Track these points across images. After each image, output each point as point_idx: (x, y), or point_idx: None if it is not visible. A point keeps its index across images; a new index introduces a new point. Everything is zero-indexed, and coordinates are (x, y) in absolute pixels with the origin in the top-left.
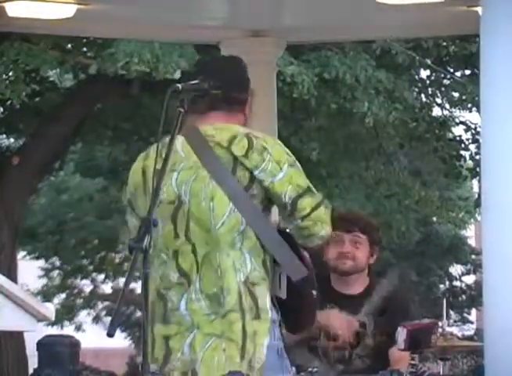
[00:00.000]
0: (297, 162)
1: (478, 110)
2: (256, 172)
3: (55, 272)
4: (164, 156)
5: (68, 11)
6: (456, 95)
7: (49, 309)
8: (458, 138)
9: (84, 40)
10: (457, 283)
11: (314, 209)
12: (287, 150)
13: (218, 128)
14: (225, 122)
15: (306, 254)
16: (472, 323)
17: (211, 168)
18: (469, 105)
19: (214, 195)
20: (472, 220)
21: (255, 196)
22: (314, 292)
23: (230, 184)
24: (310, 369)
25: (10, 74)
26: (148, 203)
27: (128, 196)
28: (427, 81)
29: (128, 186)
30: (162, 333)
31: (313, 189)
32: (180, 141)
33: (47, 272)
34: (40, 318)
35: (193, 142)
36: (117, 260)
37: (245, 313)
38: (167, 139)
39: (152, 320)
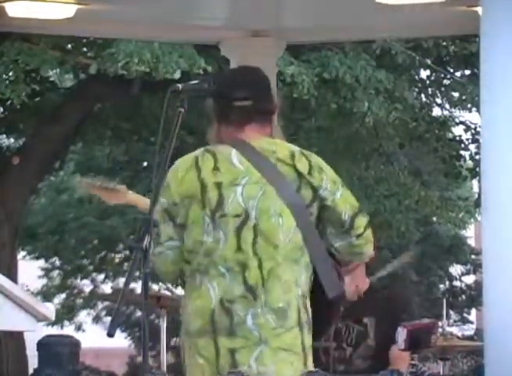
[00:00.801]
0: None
1: (478, 110)
2: (320, 191)
3: (55, 272)
4: (221, 170)
5: (68, 11)
6: (456, 95)
7: (49, 309)
8: (458, 138)
9: (84, 40)
10: (457, 283)
11: (366, 228)
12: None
13: (274, 143)
14: (259, 134)
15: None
16: (472, 323)
17: (277, 184)
18: (469, 105)
19: (282, 211)
20: (472, 220)
21: (313, 214)
22: (342, 308)
23: (295, 202)
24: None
25: (10, 74)
26: (204, 214)
27: (164, 205)
28: (427, 81)
29: (170, 195)
30: (228, 346)
31: (362, 208)
32: (233, 154)
33: (47, 272)
34: (40, 318)
35: (251, 157)
36: (116, 260)
37: (303, 327)
38: (215, 148)
39: (211, 330)
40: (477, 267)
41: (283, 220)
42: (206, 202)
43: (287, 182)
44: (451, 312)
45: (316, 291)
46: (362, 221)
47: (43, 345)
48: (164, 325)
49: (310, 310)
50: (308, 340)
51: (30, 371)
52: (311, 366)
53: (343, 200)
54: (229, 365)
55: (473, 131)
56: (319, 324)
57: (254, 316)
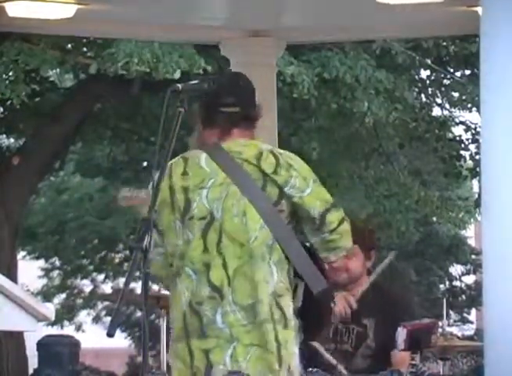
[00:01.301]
0: (317, 178)
1: (478, 110)
2: (286, 189)
3: (55, 273)
4: (189, 173)
5: (68, 11)
6: (456, 95)
7: (49, 309)
8: (458, 138)
9: (84, 40)
10: (457, 283)
11: (340, 223)
12: (308, 166)
13: (242, 145)
14: (243, 138)
15: (326, 267)
16: (472, 323)
17: (242, 184)
18: (469, 105)
19: (247, 211)
20: (472, 220)
21: (283, 211)
22: (332, 304)
23: (260, 200)
24: (310, 369)
25: (10, 74)
26: (174, 218)
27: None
28: (427, 81)
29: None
30: (200, 347)
31: (336, 203)
32: (203, 157)
33: (47, 272)
34: (40, 318)
35: (219, 159)
36: (116, 260)
37: (276, 323)
38: (188, 154)
39: (185, 334)
40: (477, 267)
41: (247, 219)
42: (175, 206)
43: (252, 181)
44: (451, 312)
45: (303, 290)
46: (334, 216)
47: (43, 345)
48: (164, 325)
49: (289, 307)
50: (285, 335)
51: (30, 371)
52: (289, 362)
53: (313, 197)
54: (204, 365)
55: (473, 131)
56: (311, 324)
57: (223, 315)
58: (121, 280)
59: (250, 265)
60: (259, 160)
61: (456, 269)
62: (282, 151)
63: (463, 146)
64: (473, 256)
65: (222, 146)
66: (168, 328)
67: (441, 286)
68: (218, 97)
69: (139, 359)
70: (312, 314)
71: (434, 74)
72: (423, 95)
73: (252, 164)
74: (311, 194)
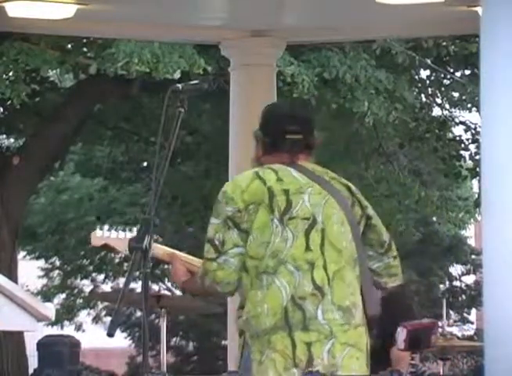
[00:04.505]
0: None
1: (478, 110)
2: (367, 210)
3: (55, 273)
4: (284, 180)
5: (68, 11)
6: (456, 95)
7: (49, 309)
8: (458, 138)
9: (84, 40)
10: (457, 283)
11: (397, 254)
12: None
13: (323, 168)
14: (309, 163)
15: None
16: (472, 323)
17: (337, 197)
18: (469, 105)
19: (343, 221)
20: (472, 220)
21: (360, 232)
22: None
23: (351, 216)
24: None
25: (10, 74)
26: (272, 217)
27: (228, 213)
28: (427, 81)
29: (234, 203)
30: (304, 339)
31: None
32: (292, 170)
33: (47, 272)
34: (40, 318)
35: (308, 174)
36: (116, 260)
37: (366, 329)
38: (272, 166)
39: (287, 326)
40: (477, 267)
41: (344, 229)
42: (274, 206)
43: (344, 197)
44: (451, 312)
45: None
46: (394, 245)
47: (43, 345)
48: (164, 325)
49: None
50: (369, 341)
51: (30, 371)
52: (368, 365)
53: (381, 224)
54: (306, 357)
55: (473, 131)
56: None
57: (324, 312)
58: (121, 280)
59: (347, 270)
60: (343, 180)
61: (456, 269)
62: None
63: (463, 146)
64: (473, 256)
65: (305, 166)
66: (168, 328)
67: (441, 286)
68: (283, 125)
69: (139, 359)
70: None
71: (434, 74)
72: (423, 95)
73: (341, 182)
74: (379, 221)
